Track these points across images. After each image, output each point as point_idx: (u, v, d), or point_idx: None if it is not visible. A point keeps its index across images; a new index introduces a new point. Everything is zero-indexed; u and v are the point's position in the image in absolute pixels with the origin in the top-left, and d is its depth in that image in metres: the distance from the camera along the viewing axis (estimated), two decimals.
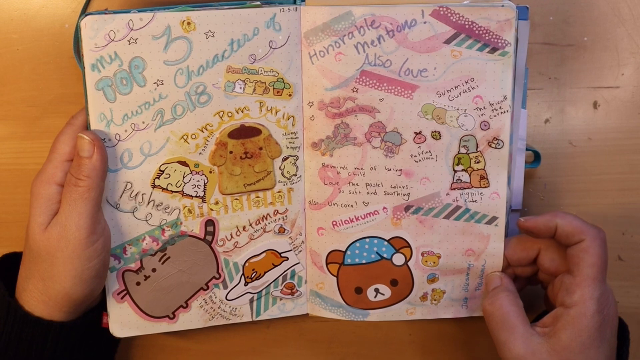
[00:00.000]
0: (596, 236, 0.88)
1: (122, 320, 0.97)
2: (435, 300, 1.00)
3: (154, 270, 0.97)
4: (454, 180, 0.95)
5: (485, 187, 0.94)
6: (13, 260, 0.95)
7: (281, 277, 1.00)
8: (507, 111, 0.92)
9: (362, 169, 0.95)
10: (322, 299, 1.01)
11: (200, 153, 0.94)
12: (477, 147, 0.93)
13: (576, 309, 0.86)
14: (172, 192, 0.94)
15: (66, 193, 0.88)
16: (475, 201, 0.95)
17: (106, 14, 0.88)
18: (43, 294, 0.89)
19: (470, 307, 1.00)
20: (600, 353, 0.86)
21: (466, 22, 0.90)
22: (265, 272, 0.99)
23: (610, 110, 1.00)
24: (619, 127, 1.01)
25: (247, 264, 0.99)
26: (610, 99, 1.00)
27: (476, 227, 0.96)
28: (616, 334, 0.90)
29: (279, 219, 0.98)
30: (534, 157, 1.01)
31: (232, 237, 0.97)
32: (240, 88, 0.93)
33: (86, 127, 0.91)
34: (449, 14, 0.90)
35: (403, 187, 0.95)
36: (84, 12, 0.90)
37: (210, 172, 0.94)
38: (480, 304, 0.98)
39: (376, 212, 0.96)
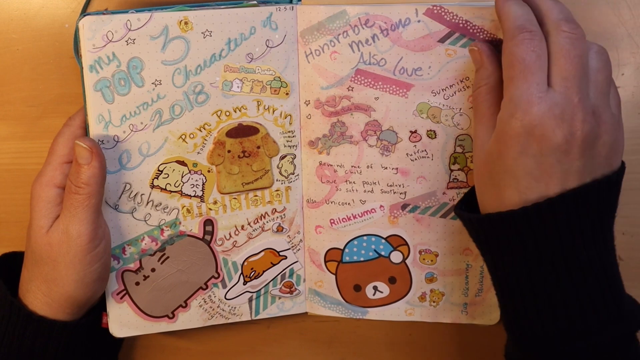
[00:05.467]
0: (514, 34, 0.80)
1: (122, 320, 0.97)
2: (434, 302, 1.00)
3: (153, 270, 0.97)
4: (451, 180, 0.94)
5: None
6: (12, 260, 0.96)
7: (280, 275, 1.00)
8: None
9: (358, 167, 0.95)
10: (321, 297, 1.01)
11: (198, 152, 0.94)
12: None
13: (499, 113, 0.81)
14: (171, 192, 0.95)
15: (66, 200, 0.89)
16: None
17: (104, 14, 0.89)
18: (46, 296, 0.90)
19: (470, 313, 1.00)
20: (520, 164, 0.79)
21: (460, 21, 0.89)
22: (263, 271, 0.99)
23: None
24: None
25: (245, 263, 0.99)
26: None
27: None
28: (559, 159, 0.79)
29: (277, 217, 0.98)
30: None
31: (230, 236, 0.97)
32: (238, 87, 0.93)
33: (84, 128, 0.91)
34: (443, 13, 0.90)
35: (399, 186, 0.95)
36: (84, 12, 0.90)
37: (209, 171, 0.95)
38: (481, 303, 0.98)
39: (373, 210, 0.96)
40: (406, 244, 0.97)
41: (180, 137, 0.93)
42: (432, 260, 0.98)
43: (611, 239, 0.83)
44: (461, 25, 0.89)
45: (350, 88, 0.93)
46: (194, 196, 0.95)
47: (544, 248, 0.79)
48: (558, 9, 0.82)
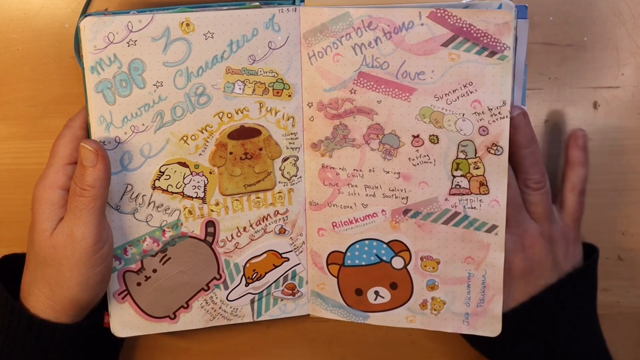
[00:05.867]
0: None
1: (123, 321, 0.98)
2: (435, 310, 0.99)
3: (154, 270, 0.97)
4: (453, 186, 0.94)
5: (485, 193, 0.93)
6: (12, 262, 0.95)
7: (282, 277, 1.00)
8: (507, 117, 0.90)
9: (360, 170, 0.95)
10: (323, 299, 1.01)
11: (200, 154, 0.94)
12: (475, 152, 0.92)
13: None
14: (173, 193, 0.95)
15: (71, 202, 0.88)
16: (475, 208, 0.94)
17: (105, 15, 0.88)
18: (49, 299, 0.90)
19: (472, 324, 0.98)
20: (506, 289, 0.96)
21: (464, 25, 0.89)
22: (266, 273, 0.99)
23: (610, 110, 1.00)
24: (619, 127, 1.01)
25: (247, 265, 0.99)
26: (610, 99, 1.00)
27: (475, 234, 0.95)
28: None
29: (280, 219, 0.98)
30: None
31: (232, 238, 0.97)
32: (240, 89, 0.93)
33: (85, 129, 0.91)
34: (447, 16, 0.89)
35: (401, 191, 0.95)
36: (84, 13, 0.90)
37: (210, 172, 0.95)
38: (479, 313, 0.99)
39: (375, 215, 0.96)
40: (407, 249, 0.97)
41: (182, 138, 0.93)
42: (433, 268, 0.97)
43: (594, 323, 0.96)
44: (465, 29, 0.89)
45: (352, 91, 0.92)
46: (196, 197, 0.95)
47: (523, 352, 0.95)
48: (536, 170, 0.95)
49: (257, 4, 0.91)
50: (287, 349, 1.07)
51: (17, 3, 0.98)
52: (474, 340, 1.00)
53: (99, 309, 0.96)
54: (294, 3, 0.92)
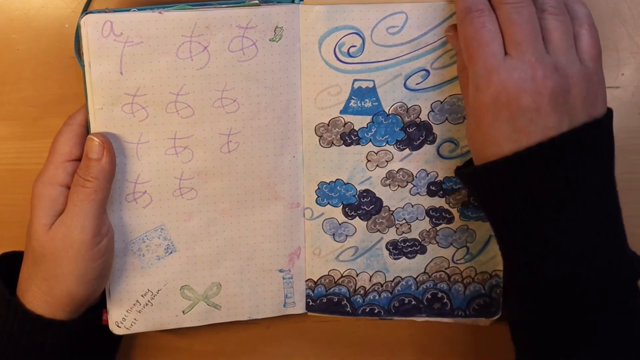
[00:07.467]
0: (464, 17, 0.85)
1: None
2: None
3: None
4: None
5: None
6: (12, 259, 0.96)
7: None
8: None
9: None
10: None
11: None
12: None
13: (468, 89, 0.86)
14: None
15: (72, 194, 0.89)
16: None
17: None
18: (46, 294, 0.90)
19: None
20: (497, 130, 0.82)
21: None
22: None
23: None
24: (619, 127, 1.00)
25: None
26: (610, 99, 0.99)
27: None
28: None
29: None
30: None
31: None
32: None
33: (85, 126, 0.91)
34: None
35: None
36: (85, 12, 0.90)
37: None
38: None
39: None
40: None
41: None
42: None
43: (609, 187, 0.87)
44: None
45: None
46: None
47: (531, 193, 0.82)
48: None
49: (257, 2, 0.90)
50: (287, 348, 1.07)
51: (17, 3, 0.99)
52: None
53: (97, 307, 0.96)
54: (293, 1, 0.91)
